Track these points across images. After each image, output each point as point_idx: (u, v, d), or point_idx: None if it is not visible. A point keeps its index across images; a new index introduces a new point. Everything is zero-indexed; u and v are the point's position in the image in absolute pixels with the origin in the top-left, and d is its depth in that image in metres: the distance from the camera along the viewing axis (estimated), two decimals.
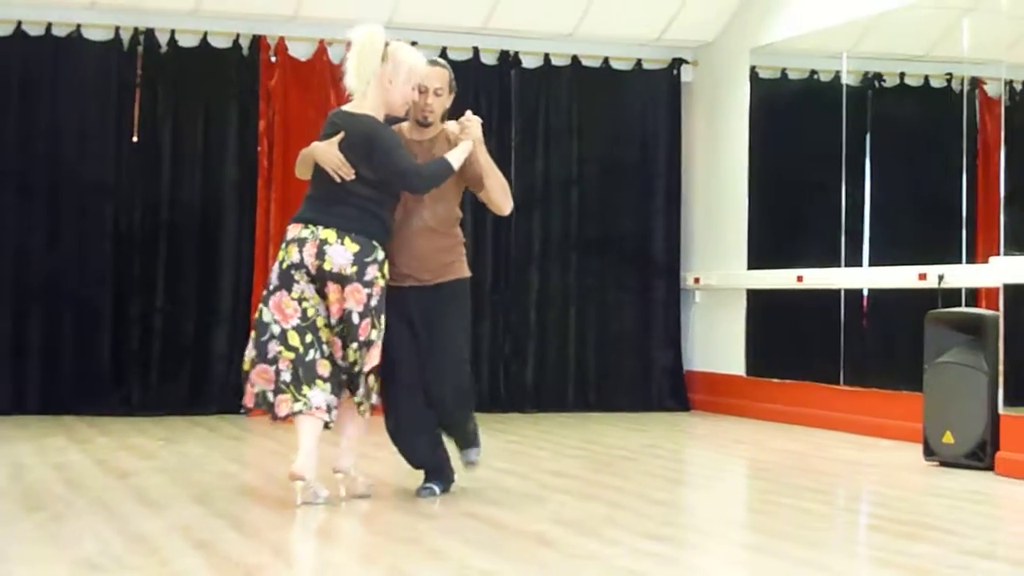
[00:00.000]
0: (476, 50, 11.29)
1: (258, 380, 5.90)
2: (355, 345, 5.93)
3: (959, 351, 8.01)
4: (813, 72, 11.09)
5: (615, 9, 11.13)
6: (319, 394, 5.86)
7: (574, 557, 4.99)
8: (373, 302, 5.89)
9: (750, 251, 11.09)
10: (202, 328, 10.66)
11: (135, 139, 10.49)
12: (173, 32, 10.63)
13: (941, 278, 9.23)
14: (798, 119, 11.23)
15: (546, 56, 11.53)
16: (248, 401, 6.01)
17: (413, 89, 6.09)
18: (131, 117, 10.50)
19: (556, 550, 5.12)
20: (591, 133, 11.58)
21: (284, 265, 5.92)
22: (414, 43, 10.98)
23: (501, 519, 5.84)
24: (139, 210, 10.56)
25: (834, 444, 9.19)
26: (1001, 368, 7.72)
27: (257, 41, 10.83)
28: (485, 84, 11.30)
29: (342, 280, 5.83)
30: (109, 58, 10.52)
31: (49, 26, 10.38)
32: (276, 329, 5.81)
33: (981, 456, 7.73)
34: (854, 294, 10.29)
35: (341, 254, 5.80)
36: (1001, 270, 7.81)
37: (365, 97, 6.04)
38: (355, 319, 5.86)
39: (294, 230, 5.98)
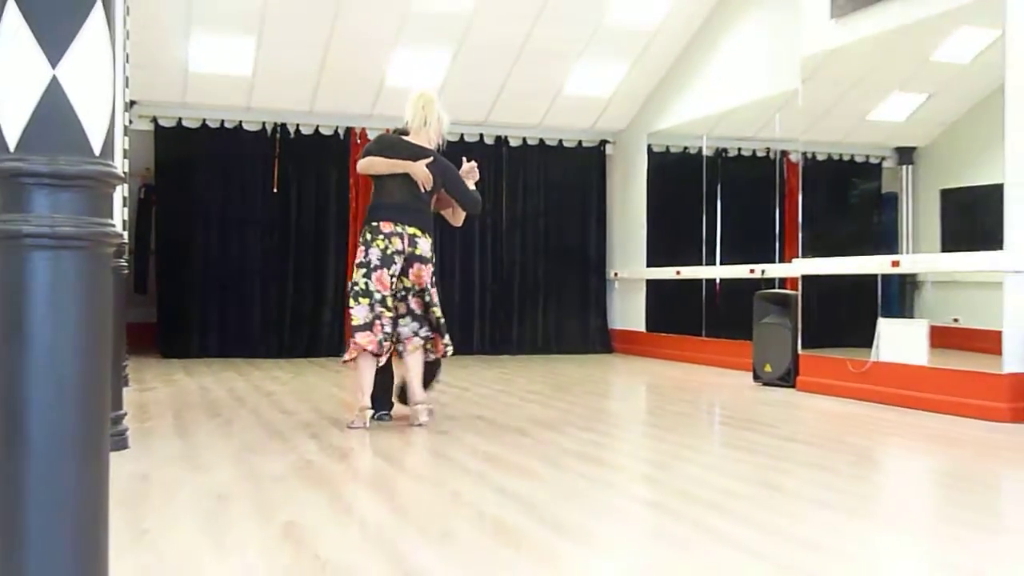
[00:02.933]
0: (481, 135, 11.33)
1: (368, 334, 5.40)
2: (434, 307, 5.61)
3: (774, 316, 8.08)
4: (685, 148, 11.12)
5: (566, 109, 11.17)
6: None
7: (543, 443, 5.03)
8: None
9: (648, 256, 11.15)
10: (315, 305, 10.70)
11: (275, 190, 10.54)
12: (298, 125, 10.64)
13: (763, 272, 9.30)
14: (676, 176, 11.26)
15: (524, 139, 11.55)
16: (358, 349, 5.45)
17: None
18: (272, 177, 10.53)
19: (531, 438, 5.15)
20: (551, 185, 11.60)
21: (388, 251, 5.39)
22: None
23: (496, 419, 5.89)
24: (278, 233, 10.56)
25: (699, 374, 9.24)
26: (799, 325, 7.81)
27: (349, 130, 10.85)
28: (487, 156, 11.32)
29: (425, 262, 5.49)
30: (259, 141, 10.51)
31: (222, 122, 10.43)
32: (378, 296, 5.43)
33: (788, 379, 7.81)
34: (711, 281, 10.36)
35: (426, 245, 5.50)
36: (799, 267, 7.90)
37: (419, 134, 5.61)
38: (430, 287, 5.55)
39: (387, 227, 5.43)
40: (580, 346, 11.51)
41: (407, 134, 5.72)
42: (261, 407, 6.29)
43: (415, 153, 5.55)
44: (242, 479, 3.97)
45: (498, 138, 11.42)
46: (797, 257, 7.98)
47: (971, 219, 8.31)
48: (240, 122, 10.45)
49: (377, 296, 5.43)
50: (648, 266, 11.09)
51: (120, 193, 6.79)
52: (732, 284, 9.91)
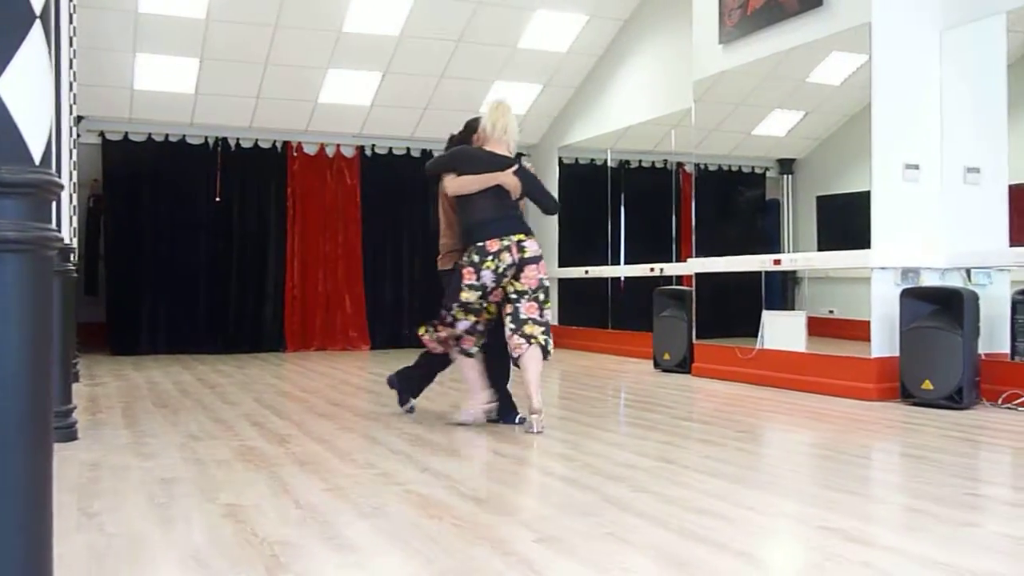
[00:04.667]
0: (408, 149, 11.25)
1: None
2: (546, 306, 5.03)
3: (672, 309, 8.19)
4: (592, 160, 11.21)
5: None
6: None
7: (467, 426, 5.04)
8: None
9: (559, 257, 11.20)
10: (257, 304, 10.55)
11: (217, 199, 10.35)
12: (238, 140, 10.48)
13: (662, 270, 9.42)
14: (584, 186, 11.31)
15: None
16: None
17: None
18: (215, 187, 10.35)
19: (466, 428, 5.18)
20: None
21: (500, 270, 4.85)
22: (373, 146, 11.09)
23: (423, 405, 5.83)
24: (221, 238, 10.39)
25: (606, 362, 9.32)
26: (694, 317, 7.92)
27: (286, 144, 10.71)
28: (414, 169, 11.25)
29: (536, 260, 4.95)
30: (202, 154, 10.32)
31: (167, 136, 10.21)
32: (483, 309, 5.01)
33: (684, 366, 7.93)
34: (616, 279, 10.45)
35: (534, 245, 4.98)
36: (693, 266, 8.01)
37: (500, 143, 5.06)
38: (545, 284, 5.01)
39: (494, 244, 4.87)
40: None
41: (466, 141, 5.27)
42: (206, 398, 6.17)
43: (500, 163, 5.04)
44: (187, 464, 3.89)
45: (424, 151, 11.36)
46: (691, 257, 8.09)
47: (843, 222, 8.51)
48: (184, 136, 10.26)
49: (484, 310, 5.03)
50: (560, 266, 11.13)
51: (69, 202, 6.61)
52: (634, 281, 10.02)
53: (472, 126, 5.33)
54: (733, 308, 8.27)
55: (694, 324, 7.87)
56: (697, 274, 7.93)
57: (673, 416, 5.42)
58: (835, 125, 9.16)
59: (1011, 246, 6.39)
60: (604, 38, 10.13)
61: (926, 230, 6.28)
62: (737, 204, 10.53)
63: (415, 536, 2.81)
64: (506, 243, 4.90)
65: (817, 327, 7.82)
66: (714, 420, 5.23)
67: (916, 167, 6.27)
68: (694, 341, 7.86)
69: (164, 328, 10.09)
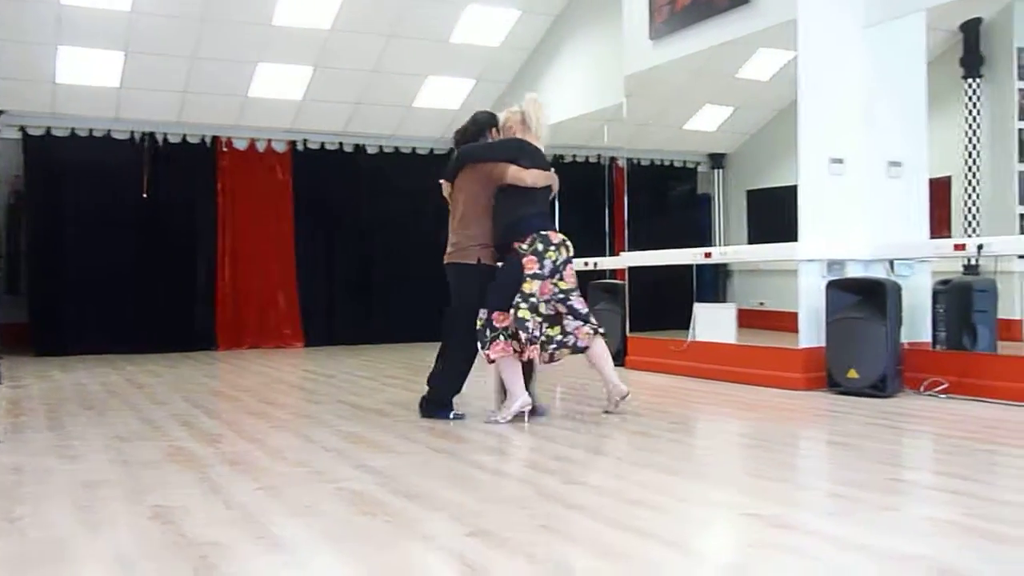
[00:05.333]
0: (341, 143, 11.16)
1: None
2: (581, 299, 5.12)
3: (606, 303, 8.26)
4: None
5: (419, 120, 11.13)
6: None
7: (400, 422, 5.02)
8: None
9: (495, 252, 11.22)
10: (187, 302, 10.36)
11: (145, 195, 10.13)
12: (165, 135, 10.27)
13: (596, 264, 9.49)
14: None
15: (380, 147, 11.45)
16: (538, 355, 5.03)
17: None
18: (142, 182, 10.13)
19: (390, 418, 5.14)
20: (407, 189, 11.46)
21: (558, 263, 4.91)
22: (305, 141, 10.97)
23: (358, 402, 5.84)
24: (149, 235, 10.17)
25: None
26: (627, 311, 8.00)
27: (215, 139, 10.54)
28: (346, 163, 11.20)
29: (571, 260, 5.07)
30: (128, 149, 10.09)
31: (91, 131, 9.98)
32: (539, 306, 4.91)
33: (618, 358, 7.96)
34: None
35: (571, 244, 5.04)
36: (626, 259, 8.09)
37: (539, 141, 5.09)
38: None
39: (556, 237, 4.94)
40: (436, 334, 11.37)
41: (480, 135, 5.19)
42: (134, 399, 6.05)
43: (546, 161, 5.11)
44: (113, 466, 3.81)
45: (356, 146, 11.28)
46: (624, 251, 8.17)
47: (772, 216, 8.67)
48: (109, 131, 10.02)
49: (540, 307, 4.94)
50: (496, 262, 11.14)
51: None
52: None
53: (483, 120, 5.26)
54: (666, 301, 8.37)
55: (627, 317, 7.95)
56: (630, 268, 8.01)
57: (605, 409, 5.46)
58: (764, 120, 9.32)
59: (931, 238, 6.59)
60: (537, 33, 10.16)
61: (851, 223, 6.43)
62: (669, 198, 10.66)
63: (348, 534, 2.80)
64: (562, 237, 4.98)
65: (748, 319, 7.96)
66: (647, 412, 5.29)
67: (841, 161, 6.42)
68: (627, 334, 7.93)
69: (91, 328, 9.84)
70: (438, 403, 5.10)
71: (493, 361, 4.92)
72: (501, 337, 4.85)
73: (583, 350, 5.11)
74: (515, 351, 4.89)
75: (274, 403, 5.93)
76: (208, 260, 10.45)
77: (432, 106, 10.90)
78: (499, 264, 5.05)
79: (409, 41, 9.66)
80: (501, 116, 5.24)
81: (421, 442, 4.36)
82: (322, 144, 11.05)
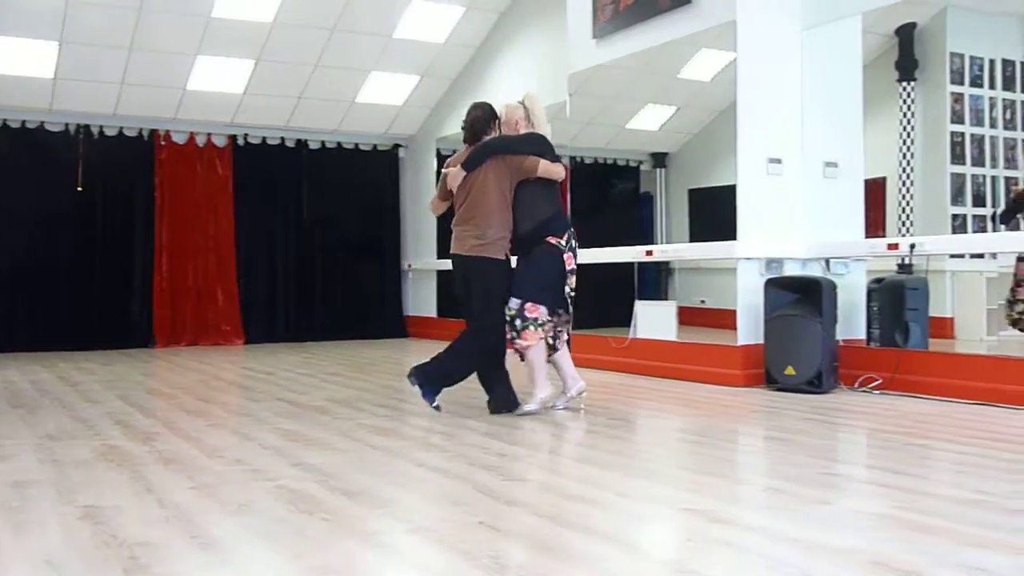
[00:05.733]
0: (283, 139, 11.04)
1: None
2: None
3: None
4: None
5: (362, 115, 11.05)
6: None
7: (340, 419, 4.97)
8: None
9: (438, 248, 11.18)
10: (124, 298, 10.16)
11: (79, 188, 9.91)
12: (101, 127, 10.06)
13: None
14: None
15: (323, 142, 11.35)
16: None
17: None
18: (77, 175, 9.91)
19: (329, 415, 5.08)
20: (349, 185, 11.42)
21: (576, 260, 5.07)
22: (246, 135, 10.82)
23: (298, 400, 5.78)
24: (84, 229, 9.96)
25: None
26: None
27: (152, 132, 10.35)
28: (289, 158, 11.08)
29: None
30: (63, 141, 9.86)
31: (23, 123, 9.73)
32: (574, 296, 5.09)
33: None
34: None
35: None
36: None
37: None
38: None
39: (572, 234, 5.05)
40: (378, 331, 11.42)
41: (487, 127, 5.14)
42: (67, 397, 5.91)
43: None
44: (43, 466, 3.71)
45: (299, 141, 11.17)
46: None
47: (712, 214, 8.77)
48: (42, 123, 9.80)
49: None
50: (439, 258, 11.11)
51: None
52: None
53: (490, 113, 5.18)
54: (608, 299, 8.43)
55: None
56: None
57: (548, 406, 5.47)
58: (706, 120, 9.43)
59: (867, 237, 6.72)
60: (481, 30, 10.14)
61: (788, 222, 6.52)
62: (612, 196, 10.73)
63: (284, 532, 2.76)
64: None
65: (690, 316, 8.05)
66: (588, 408, 5.30)
67: (779, 161, 6.51)
68: (569, 331, 7.94)
69: (22, 325, 9.60)
70: (433, 383, 5.01)
71: (521, 350, 4.97)
72: (531, 327, 4.92)
73: (554, 346, 5.14)
74: (546, 342, 5.00)
75: (211, 401, 5.84)
76: (145, 255, 10.26)
77: (375, 102, 10.84)
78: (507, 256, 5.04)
79: (352, 36, 9.59)
80: (500, 110, 5.20)
81: (361, 440, 4.32)
82: (263, 139, 10.93)
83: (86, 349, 9.47)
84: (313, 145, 11.27)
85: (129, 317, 10.13)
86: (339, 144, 11.43)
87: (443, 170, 5.27)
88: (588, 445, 4.18)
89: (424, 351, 9.66)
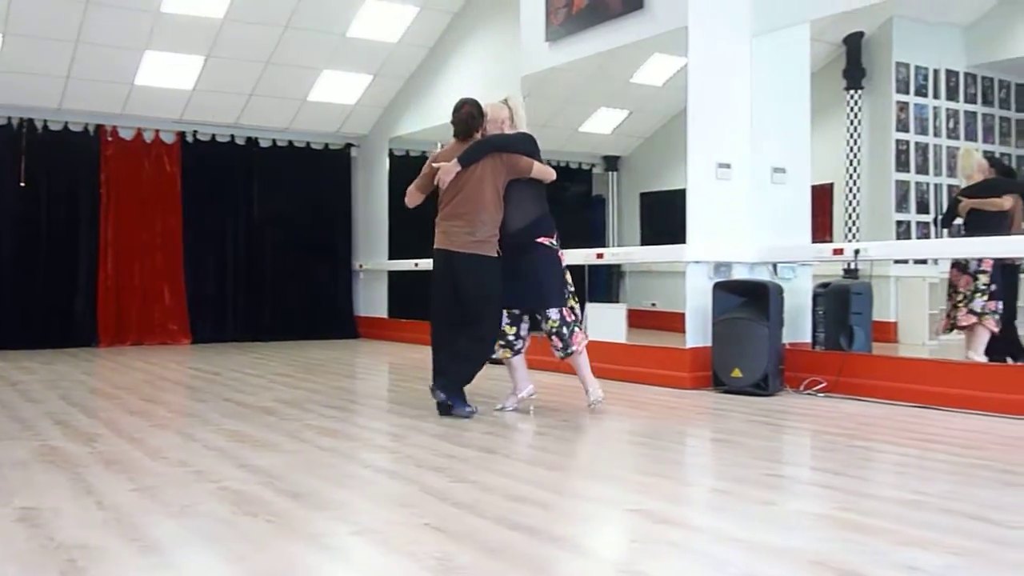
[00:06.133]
0: (233, 136, 10.92)
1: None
2: None
3: None
4: (423, 152, 11.14)
5: (313, 114, 10.97)
6: None
7: (287, 420, 4.92)
8: None
9: (389, 249, 11.15)
10: (67, 296, 9.96)
11: (22, 184, 9.70)
12: (45, 122, 9.85)
13: None
14: (413, 178, 11.27)
15: (274, 140, 11.25)
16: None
17: None
18: (20, 171, 9.69)
19: (276, 416, 5.03)
20: (300, 184, 11.34)
21: None
22: (195, 132, 10.68)
23: (245, 400, 5.71)
24: (27, 226, 9.75)
25: None
26: None
27: (99, 128, 10.17)
28: (239, 156, 10.96)
29: None
30: (5, 136, 9.65)
31: None
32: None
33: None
34: None
35: None
36: None
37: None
38: None
39: None
40: (328, 332, 11.35)
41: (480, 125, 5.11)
42: (6, 397, 5.78)
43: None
44: None
45: (249, 139, 11.06)
46: None
47: (663, 218, 8.83)
48: None
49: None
50: (390, 258, 11.08)
51: None
52: None
53: (480, 108, 5.13)
54: None
55: None
56: None
57: (497, 407, 5.47)
58: (657, 125, 9.49)
59: (813, 243, 6.82)
60: (435, 30, 10.12)
61: (737, 226, 6.60)
62: (564, 199, 10.72)
63: (227, 534, 2.73)
64: None
65: (640, 319, 8.08)
66: (537, 410, 5.31)
67: (728, 166, 6.58)
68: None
69: None
70: (458, 394, 5.03)
71: (578, 355, 5.12)
72: (576, 328, 5.10)
73: (519, 349, 5.25)
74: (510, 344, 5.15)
75: (156, 401, 5.75)
76: (90, 253, 10.07)
77: (328, 100, 10.76)
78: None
79: (305, 33, 9.51)
80: (485, 108, 5.16)
81: (308, 441, 4.29)
82: (213, 136, 10.80)
83: (28, 348, 9.26)
84: (264, 143, 11.16)
85: (73, 316, 9.93)
86: (290, 142, 11.33)
87: (431, 163, 5.19)
88: (536, 447, 4.19)
89: (374, 352, 9.70)
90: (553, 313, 5.04)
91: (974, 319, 6.24)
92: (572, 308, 5.14)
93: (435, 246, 5.10)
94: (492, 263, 4.98)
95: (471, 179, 4.98)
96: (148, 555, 2.52)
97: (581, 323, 5.20)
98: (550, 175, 5.12)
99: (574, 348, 5.09)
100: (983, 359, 6.10)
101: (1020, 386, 5.10)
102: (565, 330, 5.07)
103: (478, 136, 5.11)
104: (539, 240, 5.03)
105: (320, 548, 2.61)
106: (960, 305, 6.32)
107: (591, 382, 5.22)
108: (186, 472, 3.58)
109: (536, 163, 5.05)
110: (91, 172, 10.12)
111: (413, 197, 5.29)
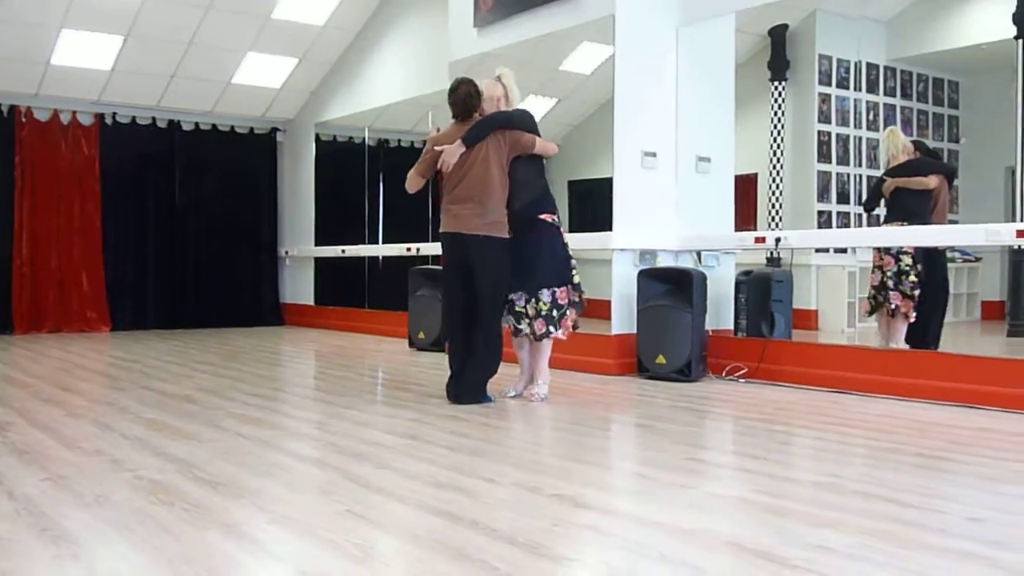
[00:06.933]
0: (154, 119, 10.67)
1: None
2: None
3: (426, 289, 8.25)
4: (350, 137, 11.07)
5: (238, 97, 10.78)
6: None
7: (209, 408, 4.86)
8: None
9: (316, 236, 11.04)
10: None
11: None
12: None
13: (418, 249, 9.47)
14: (342, 164, 11.18)
15: (196, 124, 11.03)
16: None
17: None
18: None
19: (197, 404, 4.97)
20: (224, 169, 11.16)
21: None
22: (114, 114, 10.41)
23: (165, 389, 5.62)
24: None
25: (363, 342, 9.27)
26: None
27: (13, 108, 9.85)
28: (161, 139, 10.72)
29: None
30: None
31: None
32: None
33: (439, 344, 8.01)
34: (374, 259, 10.41)
35: None
36: None
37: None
38: None
39: None
40: (253, 319, 11.20)
41: (469, 117, 5.04)
42: None
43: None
44: None
45: (171, 122, 10.82)
46: None
47: (592, 206, 8.87)
48: None
49: None
50: (316, 245, 10.97)
51: None
52: (391, 261, 10.02)
53: (476, 86, 5.05)
54: None
55: None
56: None
57: (423, 394, 5.47)
58: (586, 113, 9.52)
59: (736, 231, 6.94)
60: (363, 13, 10.02)
61: (662, 214, 6.68)
62: None
63: (142, 524, 2.68)
64: None
65: None
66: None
67: (654, 155, 6.65)
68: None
69: None
70: (483, 386, 5.00)
71: (564, 338, 5.10)
72: (567, 311, 5.03)
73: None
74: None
75: (72, 390, 5.61)
76: (4, 238, 9.77)
77: (252, 84, 10.59)
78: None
79: (228, 15, 9.33)
80: (482, 86, 5.08)
81: (229, 429, 4.23)
82: (133, 118, 10.55)
83: None
84: (186, 127, 10.94)
85: None
86: (214, 126, 11.13)
87: (431, 147, 5.08)
88: (460, 433, 4.20)
89: (300, 340, 9.61)
90: (545, 295, 5.00)
91: (910, 304, 6.17)
92: (576, 285, 5.10)
93: (443, 230, 5.00)
94: (505, 246, 4.92)
95: (477, 159, 4.89)
96: (58, 545, 2.47)
97: (574, 307, 5.10)
98: (552, 149, 5.12)
99: (561, 333, 5.06)
100: (905, 346, 6.24)
101: (932, 372, 5.28)
102: (555, 313, 5.02)
103: (477, 116, 5.02)
104: (542, 217, 5.01)
105: (237, 536, 2.58)
106: (889, 287, 6.29)
107: (544, 373, 5.17)
108: (101, 461, 3.51)
109: (538, 139, 5.01)
110: (5, 154, 9.81)
111: (414, 182, 5.19)
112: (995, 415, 4.76)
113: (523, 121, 5.04)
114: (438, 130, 5.22)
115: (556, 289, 5.02)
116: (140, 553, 2.42)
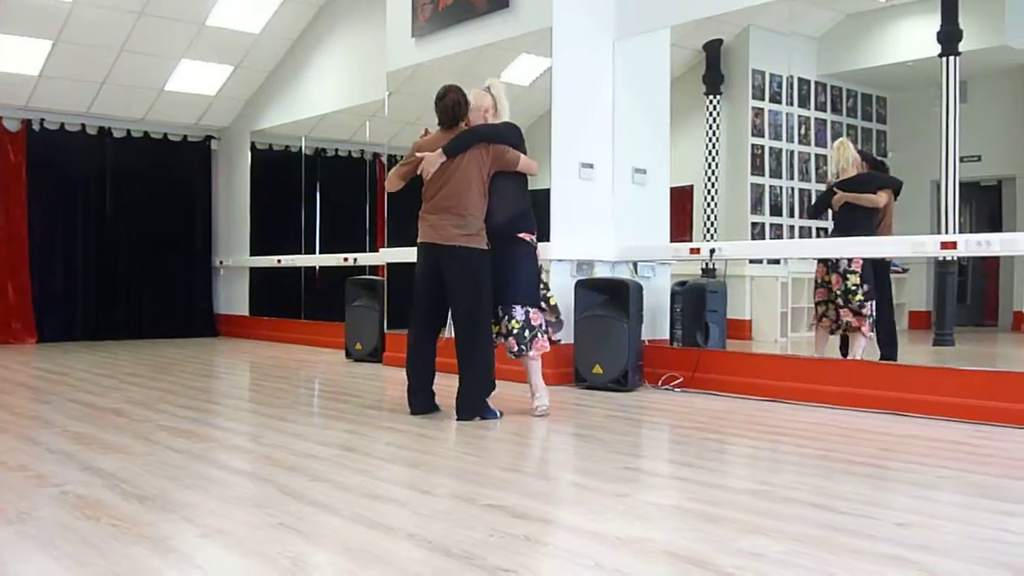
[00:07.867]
0: (84, 125, 10.46)
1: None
2: None
3: (364, 299, 8.22)
4: (287, 146, 10.97)
5: (171, 104, 10.61)
6: None
7: (138, 421, 4.76)
8: None
9: (251, 245, 10.90)
10: None
11: None
12: None
13: (355, 260, 9.42)
14: (278, 173, 11.07)
15: (128, 131, 10.82)
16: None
17: None
18: None
19: (126, 417, 4.86)
20: (157, 177, 10.98)
21: None
22: (42, 120, 10.17)
23: (93, 401, 5.48)
24: None
25: (299, 353, 9.16)
26: (386, 307, 7.98)
27: None
28: (90, 146, 10.50)
29: None
30: None
31: None
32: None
33: (376, 355, 7.97)
34: (310, 269, 10.31)
35: None
36: (385, 255, 8.07)
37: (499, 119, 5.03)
38: None
39: None
40: (186, 330, 11.02)
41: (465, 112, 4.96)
42: None
43: None
44: None
45: (101, 129, 10.61)
46: (384, 247, 8.15)
47: None
48: None
49: None
50: (251, 255, 10.84)
51: None
52: (328, 271, 9.94)
53: (464, 95, 4.96)
54: None
55: (386, 314, 7.93)
56: (389, 264, 8.00)
57: (360, 405, 5.43)
58: (525, 124, 9.53)
59: (672, 242, 7.02)
60: (299, 21, 9.95)
61: (599, 225, 6.73)
62: None
63: (67, 540, 2.61)
64: None
65: None
66: (400, 408, 5.28)
67: (591, 166, 6.71)
68: (386, 330, 7.91)
69: None
70: (481, 402, 4.92)
71: (535, 358, 5.02)
72: (539, 335, 4.95)
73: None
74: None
75: None
76: None
77: (186, 91, 10.44)
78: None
79: (162, 20, 9.19)
80: (470, 96, 4.99)
81: (159, 442, 4.14)
82: (62, 124, 10.32)
83: None
84: (118, 133, 10.74)
85: None
86: (146, 133, 10.94)
87: (414, 153, 4.99)
88: (396, 445, 4.17)
89: (234, 351, 9.46)
90: (518, 312, 4.92)
91: (862, 320, 6.15)
92: (553, 306, 5.07)
93: (420, 240, 4.92)
94: (484, 256, 4.84)
95: (457, 170, 4.82)
96: None
97: (552, 327, 5.06)
98: (534, 168, 5.04)
99: (531, 355, 4.99)
100: (862, 359, 6.23)
101: (862, 380, 5.39)
102: (527, 333, 4.94)
103: (463, 125, 4.96)
104: (520, 235, 4.93)
105: (165, 551, 2.52)
106: (839, 305, 6.25)
107: (540, 388, 5.10)
108: (26, 477, 3.41)
109: (522, 156, 4.95)
110: None
111: (393, 183, 5.11)
112: (923, 422, 4.88)
113: (509, 136, 4.95)
114: (426, 131, 5.15)
115: (529, 309, 4.95)
116: (65, 570, 2.35)
